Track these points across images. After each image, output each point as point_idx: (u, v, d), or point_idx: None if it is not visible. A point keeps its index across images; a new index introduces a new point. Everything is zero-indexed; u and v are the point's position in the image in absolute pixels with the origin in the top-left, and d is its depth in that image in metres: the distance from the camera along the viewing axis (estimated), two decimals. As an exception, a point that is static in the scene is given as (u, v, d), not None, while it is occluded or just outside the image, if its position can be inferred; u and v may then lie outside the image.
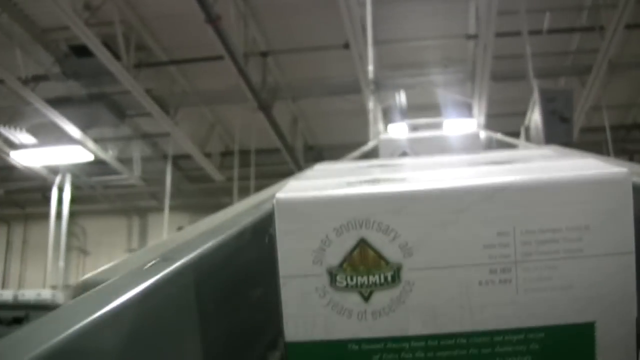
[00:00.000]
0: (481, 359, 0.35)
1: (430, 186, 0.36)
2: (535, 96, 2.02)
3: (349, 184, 0.37)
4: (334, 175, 0.43)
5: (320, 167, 0.55)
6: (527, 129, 2.17)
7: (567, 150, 0.55)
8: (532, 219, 0.35)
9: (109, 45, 4.85)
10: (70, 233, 8.55)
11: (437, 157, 0.58)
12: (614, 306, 0.35)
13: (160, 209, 8.25)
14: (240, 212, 0.44)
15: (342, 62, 5.39)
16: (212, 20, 4.24)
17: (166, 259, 0.32)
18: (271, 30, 5.35)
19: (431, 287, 0.35)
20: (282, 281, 0.35)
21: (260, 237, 0.37)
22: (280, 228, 0.35)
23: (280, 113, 5.99)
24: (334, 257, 0.35)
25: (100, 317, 0.27)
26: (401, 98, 5.77)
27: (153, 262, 0.32)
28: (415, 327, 0.35)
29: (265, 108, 5.49)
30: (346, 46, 4.77)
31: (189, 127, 6.41)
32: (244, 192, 6.49)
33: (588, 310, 0.35)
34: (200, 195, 8.24)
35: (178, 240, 0.37)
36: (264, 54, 5.54)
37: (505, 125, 5.25)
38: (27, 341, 0.24)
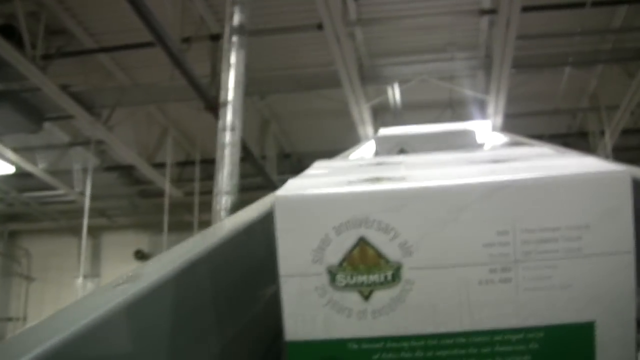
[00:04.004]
0: (481, 358, 0.45)
1: (430, 184, 0.46)
2: None
3: (349, 183, 0.47)
4: (334, 174, 0.53)
5: (319, 166, 0.65)
6: None
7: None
8: (531, 218, 0.45)
9: (15, 28, 4.74)
10: (10, 256, 8.54)
11: (436, 154, 0.68)
12: (614, 305, 0.45)
13: (113, 228, 8.31)
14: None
15: (316, 48, 5.28)
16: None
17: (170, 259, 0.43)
18: (222, 5, 5.18)
19: (431, 286, 0.45)
20: (282, 280, 0.45)
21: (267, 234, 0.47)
22: (280, 227, 0.45)
23: (246, 113, 5.89)
24: (334, 256, 0.45)
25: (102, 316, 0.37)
26: (395, 93, 5.83)
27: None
28: (415, 326, 0.45)
29: (216, 108, 5.20)
30: (320, 27, 4.58)
31: (133, 132, 6.38)
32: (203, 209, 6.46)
33: (588, 309, 0.45)
34: (159, 212, 8.23)
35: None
36: (215, 38, 5.21)
37: (528, 127, 5.27)
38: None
